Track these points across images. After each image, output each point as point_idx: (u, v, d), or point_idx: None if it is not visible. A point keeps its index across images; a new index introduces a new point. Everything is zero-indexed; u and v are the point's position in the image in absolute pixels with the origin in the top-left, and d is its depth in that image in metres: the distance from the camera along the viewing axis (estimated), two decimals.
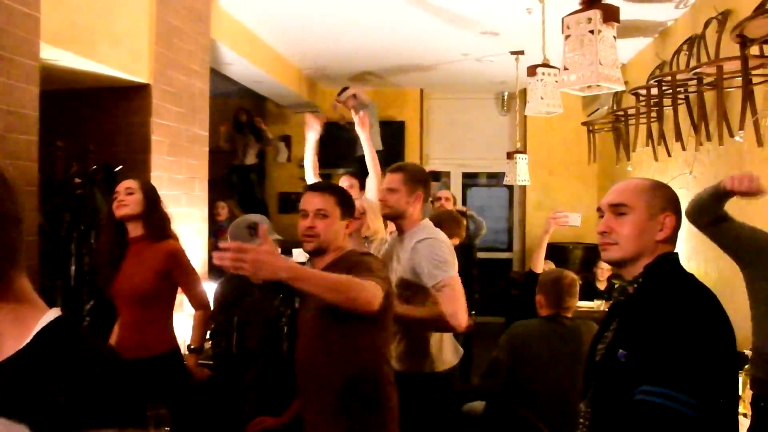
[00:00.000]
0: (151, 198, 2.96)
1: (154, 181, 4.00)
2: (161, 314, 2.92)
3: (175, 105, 4.26)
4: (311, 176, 4.22)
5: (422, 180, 2.90)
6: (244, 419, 2.63)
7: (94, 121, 4.04)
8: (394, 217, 2.88)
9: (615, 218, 1.66)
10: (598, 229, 1.68)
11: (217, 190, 7.27)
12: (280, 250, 2.72)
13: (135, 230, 2.94)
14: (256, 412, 2.60)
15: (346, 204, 2.33)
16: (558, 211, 4.03)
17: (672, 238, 1.65)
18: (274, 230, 2.68)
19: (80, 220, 3.41)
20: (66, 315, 1.02)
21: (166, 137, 4.16)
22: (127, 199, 2.88)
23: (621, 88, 2.81)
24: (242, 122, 8.05)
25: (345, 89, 7.62)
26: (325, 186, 2.39)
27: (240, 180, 8.18)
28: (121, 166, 3.73)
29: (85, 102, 4.08)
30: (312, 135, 4.05)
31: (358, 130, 3.85)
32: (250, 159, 8.13)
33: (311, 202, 2.27)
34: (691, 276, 1.60)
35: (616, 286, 6.00)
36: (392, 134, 8.25)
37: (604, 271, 6.50)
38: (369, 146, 3.75)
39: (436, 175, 8.39)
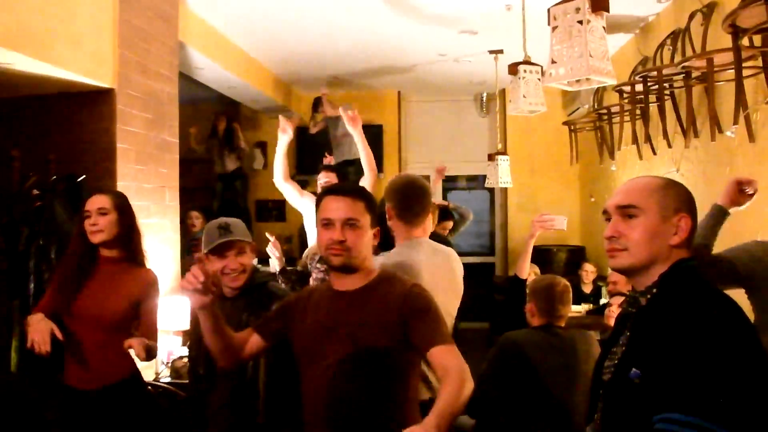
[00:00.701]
0: (127, 216, 2.72)
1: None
2: (121, 336, 2.71)
3: (142, 111, 4.04)
4: (280, 180, 4.04)
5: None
6: None
7: (55, 130, 3.80)
8: None
9: (623, 221, 1.49)
10: (606, 234, 1.51)
11: (196, 200, 7.06)
12: (256, 260, 2.54)
13: (110, 252, 2.71)
14: None
15: (374, 209, 2.00)
16: (544, 214, 3.86)
17: (688, 243, 1.48)
18: (246, 233, 2.47)
19: (39, 235, 3.18)
20: None
21: (133, 145, 3.94)
22: (100, 223, 2.63)
23: (613, 81, 2.66)
24: (218, 129, 7.87)
25: (318, 100, 7.45)
26: (352, 189, 2.01)
27: (224, 188, 8.03)
28: (84, 176, 3.51)
29: (44, 109, 3.83)
30: (284, 138, 3.87)
31: (350, 128, 3.68)
32: (231, 165, 7.98)
33: (337, 209, 1.91)
34: (712, 284, 1.44)
35: (604, 292, 5.86)
36: (370, 138, 8.00)
37: (589, 273, 6.37)
38: (362, 143, 3.58)
39: None
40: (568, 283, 3.03)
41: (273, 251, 3.74)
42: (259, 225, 8.37)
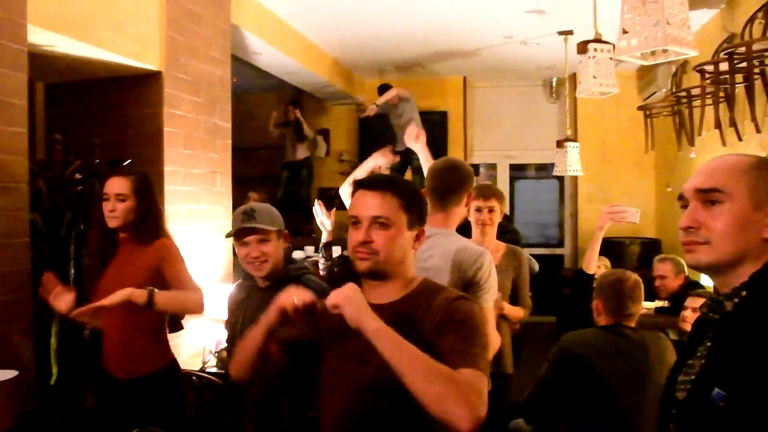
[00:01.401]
0: (146, 202, 2.62)
1: (168, 177, 3.69)
2: (151, 324, 2.59)
3: (191, 94, 3.94)
4: (347, 191, 3.76)
5: None
6: None
7: (102, 114, 3.74)
8: None
9: (705, 208, 1.21)
10: (682, 224, 1.23)
11: (258, 189, 7.00)
12: (313, 248, 2.39)
13: (126, 233, 2.64)
14: None
15: (415, 207, 1.67)
16: (614, 205, 3.55)
17: None
18: (273, 221, 2.29)
19: (80, 219, 3.11)
20: None
21: (182, 129, 3.84)
22: (118, 209, 2.55)
23: (694, 53, 2.36)
24: (289, 118, 7.87)
25: (384, 87, 7.19)
26: (385, 182, 1.67)
27: (290, 176, 7.99)
28: (129, 160, 3.42)
29: (91, 94, 3.78)
30: (381, 161, 3.61)
31: (411, 144, 3.42)
32: (301, 153, 7.96)
33: (365, 205, 1.62)
34: None
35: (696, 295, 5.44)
36: (434, 125, 7.81)
37: None
38: (427, 160, 3.32)
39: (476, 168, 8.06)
40: (638, 279, 2.71)
41: (324, 220, 3.58)
42: None
